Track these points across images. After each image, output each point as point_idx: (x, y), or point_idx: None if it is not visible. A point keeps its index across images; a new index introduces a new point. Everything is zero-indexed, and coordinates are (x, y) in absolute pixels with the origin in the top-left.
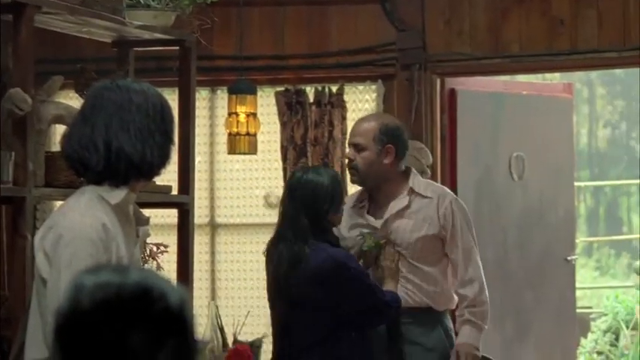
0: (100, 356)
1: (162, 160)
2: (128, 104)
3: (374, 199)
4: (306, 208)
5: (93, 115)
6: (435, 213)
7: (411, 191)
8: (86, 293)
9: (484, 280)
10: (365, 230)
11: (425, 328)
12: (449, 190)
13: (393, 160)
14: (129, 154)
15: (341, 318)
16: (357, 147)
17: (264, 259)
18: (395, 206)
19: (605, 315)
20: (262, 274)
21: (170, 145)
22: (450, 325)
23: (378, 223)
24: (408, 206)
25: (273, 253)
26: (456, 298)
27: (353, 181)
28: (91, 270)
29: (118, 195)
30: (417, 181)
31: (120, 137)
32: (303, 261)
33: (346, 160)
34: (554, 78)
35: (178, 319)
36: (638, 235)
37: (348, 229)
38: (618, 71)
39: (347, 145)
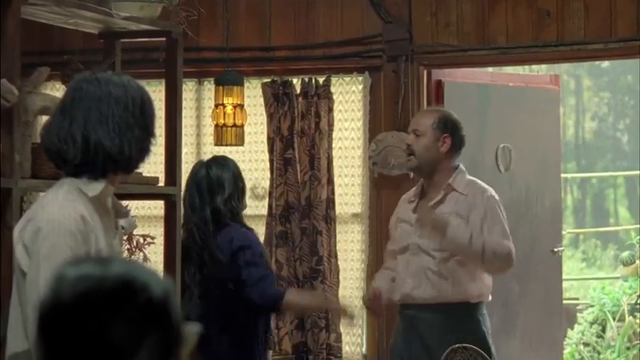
0: (83, 348)
1: (141, 154)
2: (107, 97)
3: (424, 192)
4: (211, 199)
5: (72, 108)
6: (466, 210)
7: (448, 187)
8: (67, 285)
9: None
10: None
11: (459, 321)
12: (487, 188)
13: (449, 150)
14: (107, 148)
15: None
16: (416, 132)
17: None
18: (431, 200)
19: (592, 306)
20: None
21: (149, 139)
22: (486, 317)
23: (414, 218)
24: (441, 201)
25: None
26: (489, 289)
27: (410, 167)
28: (73, 261)
29: (95, 188)
30: (459, 178)
31: (98, 131)
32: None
33: (404, 146)
34: (541, 69)
35: (162, 311)
36: (624, 227)
37: (397, 222)
38: (605, 63)
39: (408, 132)
